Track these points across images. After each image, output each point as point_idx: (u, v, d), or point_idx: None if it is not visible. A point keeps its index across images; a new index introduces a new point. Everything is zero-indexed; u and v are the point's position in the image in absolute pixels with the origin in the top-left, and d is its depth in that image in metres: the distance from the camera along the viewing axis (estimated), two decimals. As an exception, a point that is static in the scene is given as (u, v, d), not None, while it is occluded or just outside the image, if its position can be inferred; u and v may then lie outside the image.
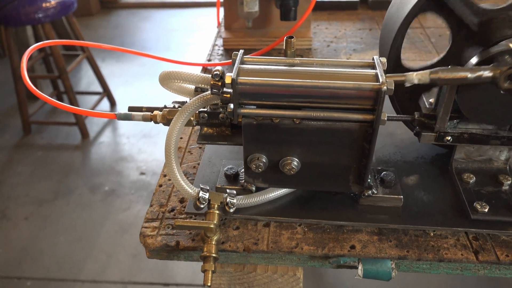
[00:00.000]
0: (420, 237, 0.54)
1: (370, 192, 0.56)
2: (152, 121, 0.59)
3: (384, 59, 0.51)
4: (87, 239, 1.89)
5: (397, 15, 0.57)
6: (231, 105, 0.50)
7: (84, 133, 2.47)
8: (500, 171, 0.59)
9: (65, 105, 0.55)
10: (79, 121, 2.43)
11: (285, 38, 0.54)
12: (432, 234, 0.55)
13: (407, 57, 0.95)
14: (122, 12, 4.18)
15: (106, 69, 3.10)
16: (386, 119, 0.49)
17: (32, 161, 2.34)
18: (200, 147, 0.71)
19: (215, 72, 0.50)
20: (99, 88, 2.73)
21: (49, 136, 2.52)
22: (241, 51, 0.53)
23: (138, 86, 2.96)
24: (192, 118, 0.57)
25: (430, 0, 0.54)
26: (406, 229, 0.55)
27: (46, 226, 1.96)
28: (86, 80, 3.07)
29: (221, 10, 1.06)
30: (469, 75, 0.48)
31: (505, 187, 0.58)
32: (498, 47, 0.50)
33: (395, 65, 0.60)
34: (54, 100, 0.55)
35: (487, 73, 0.48)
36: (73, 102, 2.40)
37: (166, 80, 0.55)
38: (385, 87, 0.46)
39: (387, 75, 0.50)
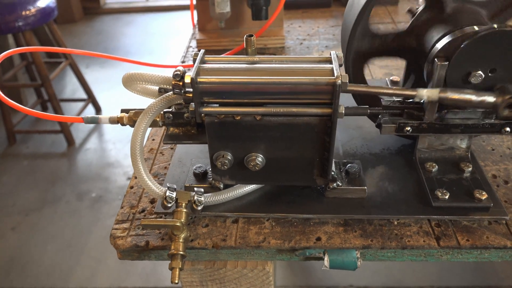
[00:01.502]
0: (385, 226, 0.56)
1: (335, 184, 0.57)
2: (119, 124, 0.59)
3: (340, 54, 0.52)
4: (75, 246, 1.88)
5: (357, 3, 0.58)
6: (193, 104, 0.51)
7: (70, 140, 2.46)
8: (462, 159, 0.61)
9: (28, 109, 0.55)
10: (64, 129, 2.42)
11: (245, 37, 0.55)
12: (396, 222, 0.56)
13: (378, 52, 0.97)
14: (106, 18, 4.16)
15: (90, 75, 3.08)
16: (343, 112, 0.50)
17: (18, 170, 2.33)
18: (171, 148, 0.72)
19: (175, 73, 0.51)
20: (83, 95, 2.72)
21: (34, 145, 2.51)
22: (202, 51, 0.54)
23: (123, 91, 2.91)
24: (158, 119, 0.57)
25: None
26: (371, 219, 0.56)
27: (34, 235, 1.95)
28: (71, 87, 3.06)
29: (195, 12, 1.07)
30: (474, 99, 0.51)
31: (466, 174, 0.59)
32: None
33: (355, 56, 0.61)
34: (14, 103, 0.55)
35: (490, 99, 0.51)
36: (57, 109, 2.39)
37: (129, 82, 0.56)
38: (339, 81, 0.47)
39: (400, 88, 0.53)
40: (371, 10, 0.59)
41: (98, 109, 2.74)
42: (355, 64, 0.62)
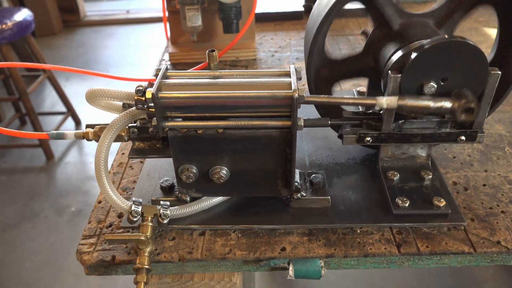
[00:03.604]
0: (348, 234, 0.57)
1: (299, 195, 0.58)
2: (85, 139, 0.60)
3: (300, 68, 0.54)
4: (54, 262, 1.85)
5: (320, 9, 0.60)
6: (155, 119, 0.52)
7: (49, 154, 2.43)
8: (423, 167, 0.63)
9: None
10: (43, 143, 2.39)
11: (207, 52, 0.56)
12: (359, 231, 0.57)
13: (347, 63, 0.99)
14: (86, 30, 4.15)
15: (70, 88, 3.06)
16: (303, 124, 0.51)
17: (-5, 186, 2.29)
18: (141, 162, 0.72)
19: (138, 88, 0.52)
20: (63, 108, 2.69)
21: (12, 159, 2.47)
22: (164, 66, 0.55)
23: (103, 104, 2.93)
24: (123, 134, 0.58)
25: None
26: (335, 228, 0.57)
27: (12, 252, 1.91)
28: (50, 100, 3.03)
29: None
30: (432, 105, 0.52)
31: (427, 182, 0.61)
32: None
33: (319, 60, 0.63)
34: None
35: (447, 104, 0.52)
36: (35, 123, 2.36)
37: (93, 98, 0.56)
38: (296, 95, 0.49)
39: (360, 97, 0.54)
40: (325, 37, 0.61)
41: (78, 123, 2.72)
42: (320, 87, 0.64)
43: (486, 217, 0.58)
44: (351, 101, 0.55)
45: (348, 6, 0.60)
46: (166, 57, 1.07)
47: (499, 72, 0.51)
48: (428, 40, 0.51)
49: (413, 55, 0.51)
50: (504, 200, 0.60)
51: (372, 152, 0.69)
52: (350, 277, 1.70)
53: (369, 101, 0.54)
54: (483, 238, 0.55)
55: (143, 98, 0.52)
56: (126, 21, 4.18)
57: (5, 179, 2.33)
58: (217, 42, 1.05)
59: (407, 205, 0.57)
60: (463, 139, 0.57)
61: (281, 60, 1.03)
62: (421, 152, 0.63)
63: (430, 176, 0.61)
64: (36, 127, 2.37)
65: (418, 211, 0.57)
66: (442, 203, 0.57)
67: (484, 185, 0.63)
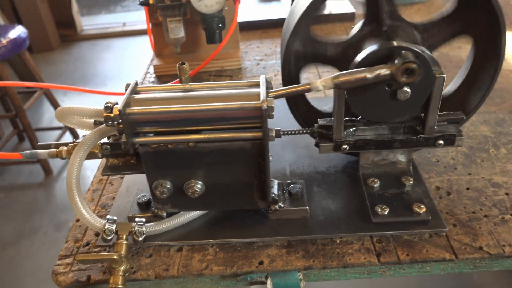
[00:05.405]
0: (327, 245, 0.55)
1: (277, 206, 0.57)
2: (59, 158, 0.59)
3: (270, 78, 0.53)
4: (53, 278, 1.85)
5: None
6: (124, 136, 0.51)
7: (47, 170, 2.44)
8: (404, 173, 0.61)
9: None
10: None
11: (177, 65, 0.55)
12: (338, 241, 0.56)
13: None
14: (83, 44, 4.17)
15: (68, 103, 3.06)
16: (274, 135, 0.50)
17: (-6, 203, 2.29)
18: (121, 178, 0.71)
19: (106, 105, 0.51)
20: (61, 123, 2.70)
21: (10, 176, 2.48)
22: (134, 81, 0.54)
23: (101, 117, 2.93)
24: (96, 151, 0.57)
25: None
26: (314, 239, 0.56)
27: (11, 269, 1.91)
28: (48, 115, 3.04)
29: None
30: (368, 75, 0.50)
31: (407, 188, 0.60)
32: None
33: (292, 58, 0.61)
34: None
35: (384, 71, 0.50)
36: (32, 139, 2.37)
37: (63, 116, 0.55)
38: (265, 105, 0.48)
39: (293, 86, 0.52)
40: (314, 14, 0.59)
41: (76, 137, 2.72)
42: (291, 67, 0.62)
43: (468, 222, 0.56)
44: (284, 91, 0.53)
45: (335, 11, 0.59)
46: (151, 69, 1.07)
47: (444, 75, 0.51)
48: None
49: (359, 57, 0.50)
50: (488, 203, 0.59)
51: (353, 159, 0.68)
52: (348, 283, 1.67)
53: (303, 87, 0.52)
54: (465, 244, 0.53)
55: (111, 115, 0.51)
56: (123, 33, 4.20)
57: (3, 197, 2.33)
58: (201, 53, 1.05)
59: (386, 212, 0.56)
60: (441, 144, 0.56)
61: (266, 68, 1.02)
62: (402, 157, 0.61)
63: (411, 182, 0.60)
64: (34, 143, 2.38)
65: (398, 219, 0.55)
66: (423, 209, 0.55)
67: (468, 188, 0.62)
